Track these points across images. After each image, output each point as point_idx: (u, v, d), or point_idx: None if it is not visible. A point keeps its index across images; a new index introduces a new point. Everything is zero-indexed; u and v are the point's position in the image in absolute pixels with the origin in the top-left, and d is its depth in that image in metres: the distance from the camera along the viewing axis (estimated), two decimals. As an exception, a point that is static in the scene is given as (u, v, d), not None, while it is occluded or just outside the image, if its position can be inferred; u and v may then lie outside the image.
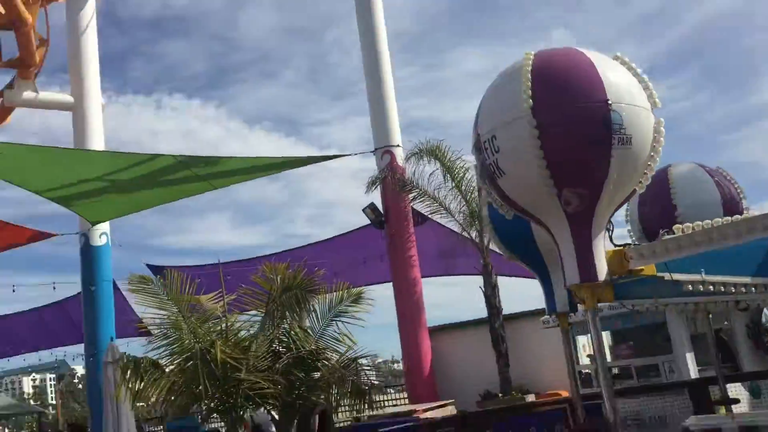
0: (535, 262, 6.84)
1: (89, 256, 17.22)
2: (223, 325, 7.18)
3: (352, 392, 7.37)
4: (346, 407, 8.68)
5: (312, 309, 7.45)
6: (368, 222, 15.26)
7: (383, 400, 14.10)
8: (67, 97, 17.30)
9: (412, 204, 14.51)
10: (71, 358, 23.58)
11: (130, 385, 6.80)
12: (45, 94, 17.30)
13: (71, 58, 17.17)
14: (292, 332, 7.37)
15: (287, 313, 7.31)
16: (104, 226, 17.36)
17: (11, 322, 20.50)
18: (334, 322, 7.70)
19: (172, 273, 7.20)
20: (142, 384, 6.80)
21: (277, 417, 6.96)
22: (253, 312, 7.61)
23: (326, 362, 7.23)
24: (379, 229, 14.94)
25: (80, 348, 21.68)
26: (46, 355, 23.49)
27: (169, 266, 19.16)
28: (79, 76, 17.26)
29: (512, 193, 5.14)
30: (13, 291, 15.10)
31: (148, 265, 18.55)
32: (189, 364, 6.58)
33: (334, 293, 7.62)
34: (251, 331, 7.34)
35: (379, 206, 14.87)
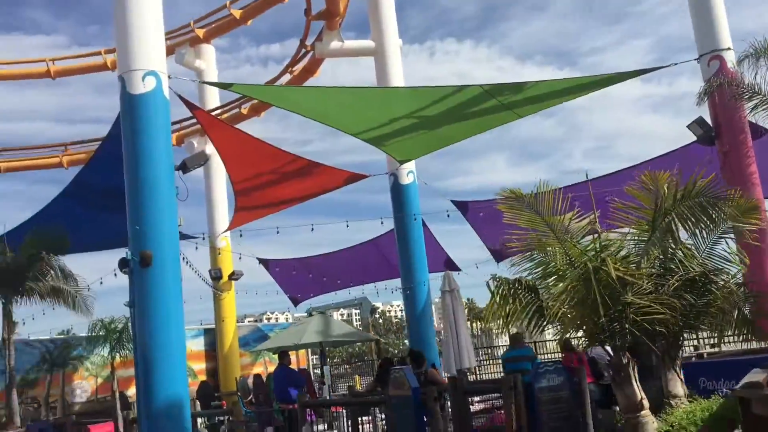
0: None
1: (399, 194, 17.97)
2: (598, 244, 6.60)
3: (738, 321, 6.39)
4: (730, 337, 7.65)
5: (709, 221, 6.47)
6: (693, 140, 13.63)
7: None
8: (369, 43, 17.97)
9: (751, 114, 12.52)
10: (374, 293, 25.17)
11: (501, 308, 6.63)
12: (350, 43, 18.17)
13: (371, 4, 17.71)
14: (678, 250, 6.55)
15: (676, 228, 6.47)
16: (410, 165, 17.91)
17: (334, 259, 22.44)
18: (722, 239, 6.70)
19: (541, 191, 6.79)
20: (510, 307, 6.60)
21: (645, 346, 6.24)
22: (626, 229, 6.93)
23: (715, 285, 6.32)
24: (707, 145, 13.24)
25: (384, 283, 23.19)
26: (355, 291, 25.50)
27: (473, 200, 19.58)
28: (378, 21, 17.79)
29: None
30: (347, 226, 16.21)
31: (454, 201, 18.91)
32: (573, 284, 6.13)
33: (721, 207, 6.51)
34: (623, 251, 6.65)
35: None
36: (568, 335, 6.95)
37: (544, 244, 6.69)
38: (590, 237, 6.83)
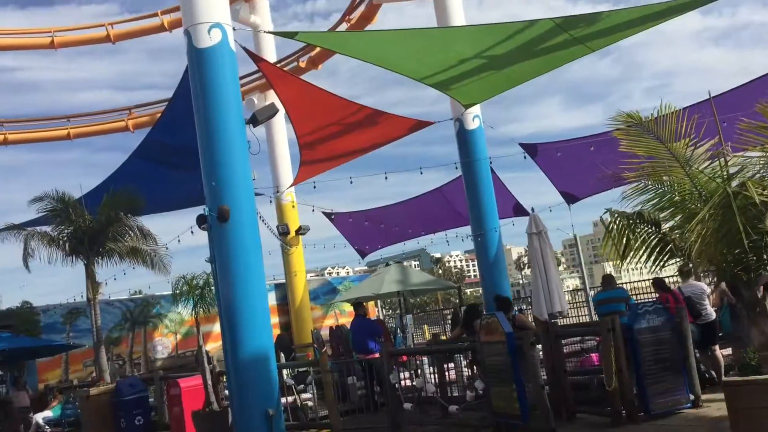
0: None
1: (465, 139, 17.53)
2: (726, 169, 6.09)
3: None
4: None
5: None
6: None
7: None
8: (429, -16, 17.37)
9: None
10: (443, 242, 24.76)
11: (618, 243, 6.29)
12: (408, -15, 17.60)
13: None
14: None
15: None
16: (476, 109, 17.40)
17: (399, 210, 22.23)
18: None
19: (663, 114, 6.29)
20: (632, 242, 6.23)
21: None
22: (752, 152, 6.36)
23: None
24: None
25: (455, 231, 22.85)
26: (424, 241, 25.16)
27: (543, 142, 18.98)
28: (437, -41, 17.15)
29: None
30: (421, 173, 15.96)
31: (522, 144, 18.36)
32: (710, 213, 5.68)
33: None
34: (757, 175, 6.09)
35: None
36: (701, 269, 6.51)
37: (663, 172, 6.23)
38: (715, 162, 6.32)
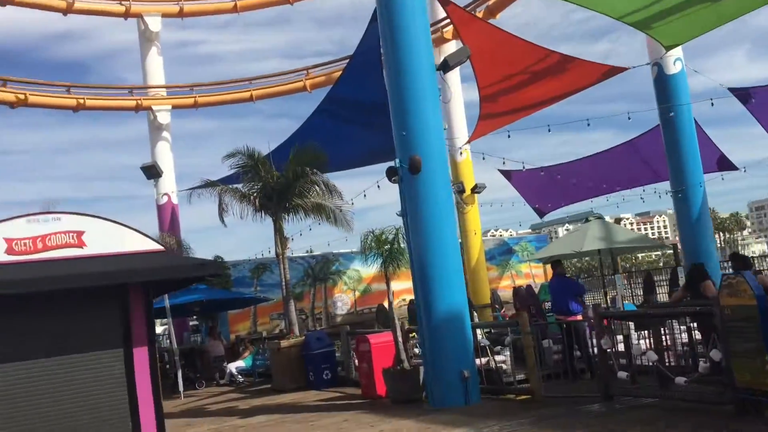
0: None
1: (664, 85, 15.91)
2: None
3: None
4: None
5: None
6: None
7: None
8: None
9: None
10: (637, 199, 22.76)
11: None
12: None
13: None
14: None
15: None
16: (677, 52, 15.73)
17: (584, 166, 20.82)
18: None
19: None
20: None
21: None
22: None
23: None
24: None
25: (653, 186, 20.97)
26: (614, 198, 23.27)
27: (758, 86, 16.76)
28: None
29: None
30: (629, 119, 14.72)
31: (731, 89, 16.33)
32: None
33: None
34: None
35: None
36: None
37: None
38: None
